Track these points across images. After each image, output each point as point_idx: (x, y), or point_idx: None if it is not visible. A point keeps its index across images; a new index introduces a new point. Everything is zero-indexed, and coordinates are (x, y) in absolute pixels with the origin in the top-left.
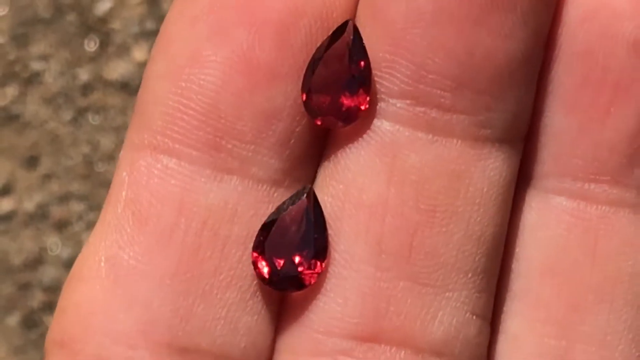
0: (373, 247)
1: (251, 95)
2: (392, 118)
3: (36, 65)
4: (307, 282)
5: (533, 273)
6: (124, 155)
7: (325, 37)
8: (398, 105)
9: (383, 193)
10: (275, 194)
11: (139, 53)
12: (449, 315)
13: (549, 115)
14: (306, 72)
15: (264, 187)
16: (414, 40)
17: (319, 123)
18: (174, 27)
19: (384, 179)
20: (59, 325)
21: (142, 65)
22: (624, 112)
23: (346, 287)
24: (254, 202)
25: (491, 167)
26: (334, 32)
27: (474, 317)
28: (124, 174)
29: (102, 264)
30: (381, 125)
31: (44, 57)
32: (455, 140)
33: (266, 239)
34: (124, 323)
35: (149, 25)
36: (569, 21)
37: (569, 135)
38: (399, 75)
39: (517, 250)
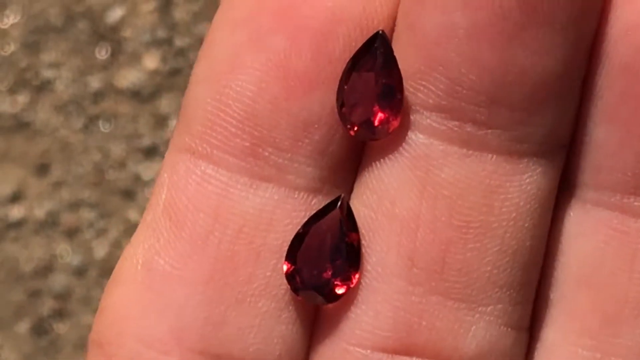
0: (405, 261)
1: (288, 103)
2: (426, 131)
3: (47, 73)
4: (337, 295)
5: (570, 283)
6: (168, 156)
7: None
8: (432, 118)
9: (415, 207)
10: (314, 201)
11: (150, 61)
12: (483, 329)
13: (591, 127)
14: (340, 82)
15: (301, 194)
16: (448, 55)
17: (352, 134)
18: (217, 31)
19: (417, 193)
20: (98, 325)
21: (153, 73)
22: None
23: (378, 300)
24: (290, 210)
25: (528, 181)
26: (365, 44)
27: (509, 329)
28: (165, 175)
29: (139, 267)
30: (415, 138)
31: (56, 65)
32: (490, 155)
33: (299, 250)
34: (157, 328)
35: (160, 33)
36: (610, 34)
37: (610, 148)
38: (433, 88)
39: (557, 258)
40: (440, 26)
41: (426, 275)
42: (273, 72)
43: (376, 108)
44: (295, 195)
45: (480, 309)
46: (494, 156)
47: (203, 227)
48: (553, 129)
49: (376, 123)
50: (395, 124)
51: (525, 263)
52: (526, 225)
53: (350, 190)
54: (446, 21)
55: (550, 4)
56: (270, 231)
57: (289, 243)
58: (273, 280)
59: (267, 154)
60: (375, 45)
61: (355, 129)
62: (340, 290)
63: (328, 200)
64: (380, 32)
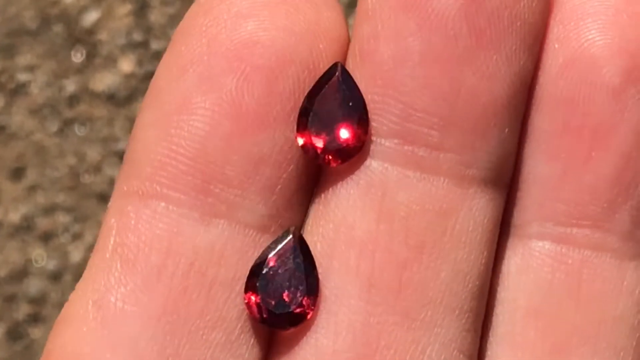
0: (363, 282)
1: (240, 141)
2: (381, 157)
3: (22, 76)
4: (301, 319)
5: (517, 316)
6: (113, 204)
7: (311, 85)
8: (387, 144)
9: (373, 230)
10: (261, 240)
11: (126, 64)
12: (438, 352)
13: (530, 162)
14: (300, 113)
15: (250, 232)
16: (402, 80)
17: (318, 162)
18: (163, 79)
19: (374, 216)
20: None
21: (129, 77)
22: (605, 157)
23: (337, 322)
24: (240, 246)
25: (476, 208)
26: (324, 74)
27: (461, 355)
28: (112, 220)
29: (90, 306)
30: (370, 165)
31: (30, 68)
32: (442, 179)
33: (257, 279)
34: None
35: (136, 36)
36: (549, 69)
37: (552, 181)
38: (387, 115)
39: (500, 294)
40: (394, 53)
41: (384, 295)
42: (225, 111)
43: (342, 132)
44: (245, 232)
45: (435, 330)
46: (446, 180)
47: (155, 263)
48: (499, 156)
49: (341, 146)
50: (361, 145)
51: (474, 289)
52: (474, 251)
53: (299, 228)
54: (399, 47)
55: (496, 30)
56: (221, 266)
57: (240, 277)
58: (225, 313)
59: (218, 190)
60: (336, 73)
61: (320, 155)
62: (302, 316)
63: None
64: (338, 62)
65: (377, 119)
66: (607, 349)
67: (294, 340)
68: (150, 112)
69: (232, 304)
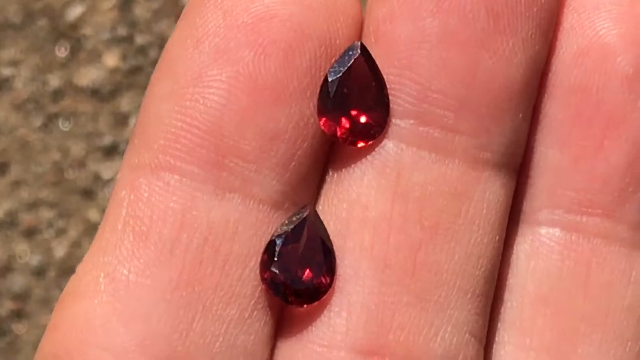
0: (378, 262)
1: (255, 115)
2: (396, 137)
3: (6, 71)
4: (317, 296)
5: (526, 302)
6: (122, 176)
7: (328, 62)
8: (402, 125)
9: (387, 210)
10: (275, 216)
11: (110, 59)
12: (450, 333)
13: (542, 150)
14: (321, 91)
15: (265, 207)
16: (419, 61)
17: (339, 141)
18: (177, 49)
19: (388, 197)
20: (52, 341)
21: (113, 71)
22: (617, 146)
23: (351, 302)
24: (254, 221)
25: (490, 191)
26: (344, 53)
27: (473, 338)
28: (123, 192)
29: (101, 279)
30: (385, 145)
31: (14, 63)
32: (456, 161)
33: (274, 255)
34: (122, 337)
35: (120, 31)
36: (563, 57)
37: (563, 168)
38: (403, 95)
39: (509, 281)
40: (411, 34)
41: (398, 276)
42: (241, 84)
43: (366, 111)
44: (260, 208)
45: (448, 312)
46: (460, 162)
47: (169, 236)
48: (512, 141)
49: (366, 126)
50: (383, 126)
51: (486, 272)
52: (487, 233)
53: (313, 205)
54: (416, 28)
55: (513, 13)
56: (235, 241)
57: (254, 253)
58: (239, 289)
59: (232, 164)
60: (357, 52)
61: (343, 133)
62: (320, 291)
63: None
64: (359, 41)
65: (393, 100)
66: (614, 338)
67: (309, 318)
68: (164, 84)
69: (247, 280)
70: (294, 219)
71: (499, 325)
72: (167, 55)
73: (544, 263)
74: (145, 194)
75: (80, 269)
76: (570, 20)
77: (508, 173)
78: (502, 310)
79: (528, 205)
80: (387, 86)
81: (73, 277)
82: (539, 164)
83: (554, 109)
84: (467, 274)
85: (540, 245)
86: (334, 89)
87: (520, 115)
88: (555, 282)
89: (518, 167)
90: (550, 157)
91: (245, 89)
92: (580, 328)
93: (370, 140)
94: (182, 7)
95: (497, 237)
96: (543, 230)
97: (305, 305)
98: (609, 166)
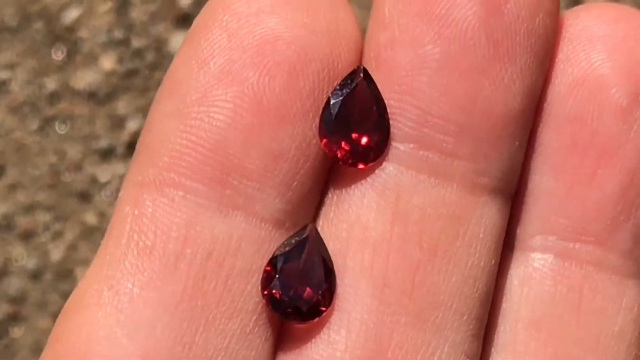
0: (377, 282)
1: (259, 135)
2: (396, 160)
3: (2, 74)
4: (317, 313)
5: (519, 326)
6: (126, 192)
7: (330, 84)
8: (402, 148)
9: (387, 231)
10: (276, 235)
11: (106, 62)
12: (447, 354)
13: (536, 177)
14: (323, 113)
15: (267, 225)
16: (420, 87)
17: (340, 158)
18: (182, 70)
19: (388, 218)
20: (54, 353)
21: (110, 74)
22: (610, 175)
23: (350, 320)
24: (256, 239)
25: (487, 216)
26: (347, 76)
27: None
28: (127, 208)
29: (105, 292)
30: (385, 167)
31: (11, 66)
32: (455, 185)
33: (275, 272)
34: (126, 348)
35: (117, 34)
36: (558, 87)
37: (557, 196)
38: (404, 119)
39: (503, 305)
40: (412, 60)
41: (397, 295)
42: (246, 104)
43: (366, 133)
44: (261, 225)
45: (445, 333)
46: (459, 186)
47: (173, 251)
48: (509, 167)
49: (366, 148)
50: (383, 149)
51: (481, 296)
52: (483, 257)
53: (314, 224)
54: (417, 55)
55: (512, 42)
56: (238, 257)
57: (257, 269)
58: (241, 304)
59: (236, 182)
60: (360, 75)
61: (343, 154)
62: (320, 310)
63: (290, 234)
64: (361, 66)
65: (394, 124)
66: None
67: (308, 335)
68: (168, 103)
69: (249, 296)
70: (295, 237)
71: (492, 349)
72: (172, 75)
73: (537, 288)
74: (150, 210)
75: (83, 282)
76: (565, 52)
77: (504, 199)
78: (495, 334)
79: (522, 231)
80: (388, 110)
81: (75, 291)
82: (533, 190)
83: (549, 137)
84: (464, 296)
85: (533, 270)
86: (336, 111)
87: (517, 142)
88: (548, 307)
89: (513, 194)
90: (544, 184)
91: (249, 109)
92: (573, 353)
93: (370, 163)
94: (179, 10)
95: (493, 261)
96: (537, 256)
97: (305, 323)
98: (602, 195)
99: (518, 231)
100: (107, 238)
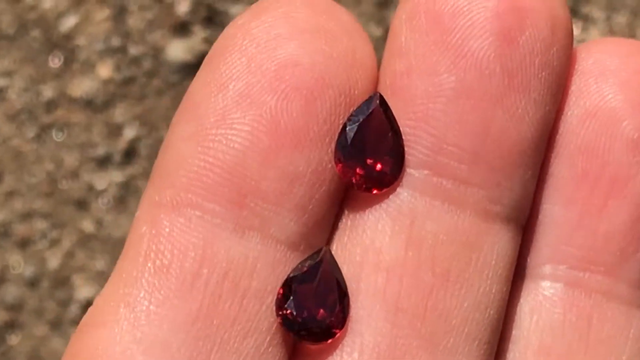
0: (390, 305)
1: (276, 157)
2: (411, 187)
3: (0, 82)
4: (330, 335)
5: (528, 354)
6: (143, 212)
7: (347, 110)
8: (416, 175)
9: (400, 256)
10: (291, 257)
11: (103, 70)
12: None
13: (547, 207)
14: (339, 138)
15: (282, 247)
16: (435, 114)
17: (354, 188)
18: (200, 93)
19: (402, 243)
20: None
21: (107, 82)
22: (620, 205)
23: (363, 342)
24: (272, 260)
25: (499, 243)
26: (364, 103)
27: None
28: (144, 228)
29: (121, 309)
30: (400, 193)
31: (8, 74)
32: (468, 212)
33: (290, 293)
34: None
35: (114, 41)
36: (570, 118)
37: (567, 226)
38: (419, 146)
39: (513, 332)
40: (427, 88)
41: (409, 319)
42: (263, 127)
43: (382, 160)
44: (277, 247)
45: (457, 357)
46: (472, 214)
47: (189, 270)
48: (521, 196)
49: (381, 174)
50: (397, 175)
51: (492, 322)
52: (495, 284)
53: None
54: (433, 83)
55: (526, 73)
56: (254, 277)
57: (272, 290)
58: (256, 323)
59: (252, 204)
60: (376, 102)
61: (358, 180)
62: (334, 330)
63: (305, 257)
64: (378, 92)
65: (409, 151)
66: None
67: (320, 357)
68: (186, 126)
69: (263, 316)
70: (310, 260)
71: None
72: (190, 98)
73: (547, 316)
74: (167, 229)
75: (99, 300)
76: (578, 84)
77: (516, 227)
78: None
79: (533, 260)
80: (403, 137)
81: (91, 309)
82: (544, 220)
83: (560, 168)
84: (476, 322)
85: (543, 299)
86: (352, 137)
87: (530, 172)
88: (558, 335)
89: (525, 223)
90: (555, 213)
91: (267, 132)
92: None
93: (384, 188)
94: (176, 18)
95: (504, 289)
96: (547, 285)
97: (318, 344)
98: (611, 225)
99: (529, 260)
100: (124, 257)
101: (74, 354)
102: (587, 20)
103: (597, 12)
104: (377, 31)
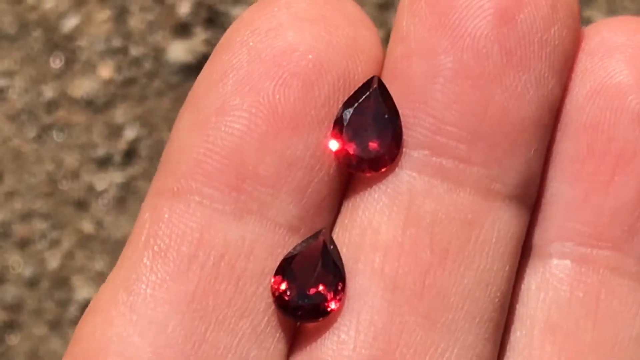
0: (387, 283)
1: (274, 142)
2: (409, 167)
3: (0, 82)
4: (325, 312)
5: (535, 331)
6: (147, 201)
7: (346, 95)
8: (415, 155)
9: (398, 235)
10: (291, 240)
11: (104, 70)
12: (457, 355)
13: (554, 184)
14: (336, 121)
15: (281, 230)
16: (433, 95)
17: (349, 169)
18: (203, 84)
19: (400, 222)
20: (72, 354)
21: (108, 83)
22: (626, 181)
23: (360, 320)
24: (270, 243)
25: (500, 221)
26: (362, 86)
27: None
28: (146, 215)
29: (119, 293)
30: (398, 173)
31: (9, 74)
32: (468, 190)
33: (286, 271)
34: (137, 345)
35: (115, 42)
36: (576, 96)
37: (574, 202)
38: (417, 127)
39: (520, 310)
40: (426, 70)
41: (407, 297)
42: (261, 112)
43: (377, 141)
44: (275, 230)
45: (455, 334)
46: (472, 192)
47: (186, 253)
48: (524, 176)
49: (376, 155)
50: (394, 157)
51: (495, 300)
52: (497, 262)
53: (329, 229)
54: (431, 64)
55: (526, 52)
56: (251, 260)
57: (268, 272)
58: (252, 304)
59: (250, 188)
60: (373, 85)
61: (354, 161)
62: (331, 306)
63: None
64: (376, 75)
65: (407, 132)
66: None
67: (317, 335)
68: (189, 116)
69: (260, 297)
70: (308, 240)
71: (508, 352)
72: (194, 90)
73: (554, 293)
74: (166, 215)
75: (102, 287)
76: (584, 62)
77: (521, 206)
78: (511, 338)
79: (540, 238)
80: (402, 119)
81: (95, 295)
82: (550, 197)
83: (566, 145)
84: (476, 299)
85: (550, 276)
86: (348, 119)
87: (533, 150)
88: (565, 312)
89: (533, 202)
90: (561, 191)
91: (265, 117)
92: (588, 357)
93: (380, 169)
94: (177, 19)
95: (507, 267)
96: (554, 262)
97: (313, 322)
98: (618, 201)
99: (535, 237)
100: (127, 245)
101: (76, 340)
102: (589, 23)
103: (598, 16)
104: (379, 33)
